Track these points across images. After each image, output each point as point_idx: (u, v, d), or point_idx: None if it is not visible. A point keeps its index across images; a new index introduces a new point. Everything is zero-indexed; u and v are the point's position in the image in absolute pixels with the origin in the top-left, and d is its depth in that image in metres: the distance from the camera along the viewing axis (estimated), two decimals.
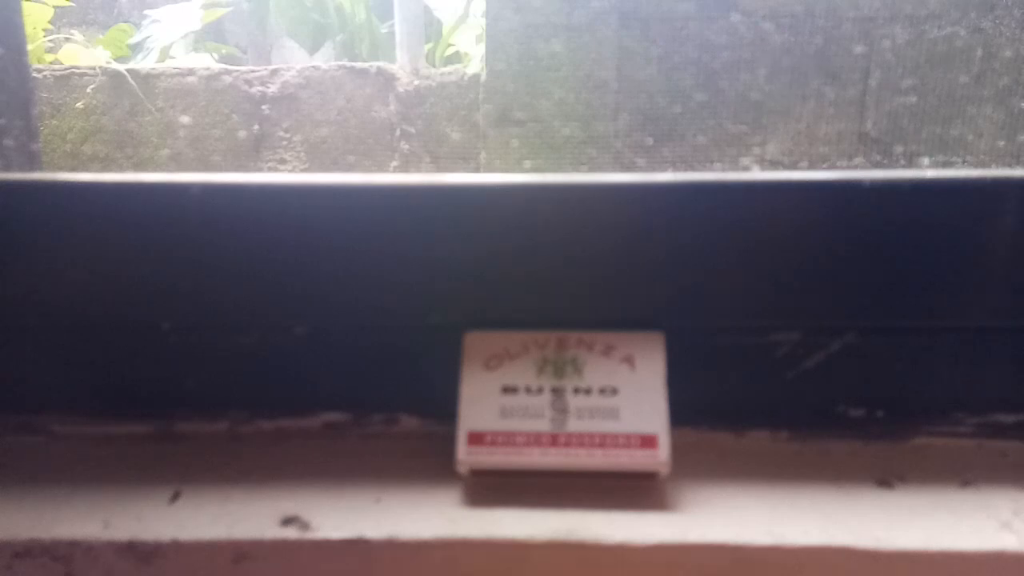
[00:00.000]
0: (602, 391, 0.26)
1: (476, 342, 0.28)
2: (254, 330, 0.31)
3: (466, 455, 0.26)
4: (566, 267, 0.30)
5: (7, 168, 0.53)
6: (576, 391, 0.26)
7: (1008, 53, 1.57)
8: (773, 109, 1.67)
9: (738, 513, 0.27)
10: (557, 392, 0.26)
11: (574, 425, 0.26)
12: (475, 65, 1.79)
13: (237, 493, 0.28)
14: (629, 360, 0.27)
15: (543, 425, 0.26)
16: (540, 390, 0.27)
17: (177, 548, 0.26)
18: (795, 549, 0.26)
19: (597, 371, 0.27)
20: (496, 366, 0.27)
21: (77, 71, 1.83)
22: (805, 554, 0.26)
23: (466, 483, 0.28)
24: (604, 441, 0.26)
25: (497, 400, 0.27)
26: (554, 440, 0.26)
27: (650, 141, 1.69)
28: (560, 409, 0.26)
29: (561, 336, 0.27)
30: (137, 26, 2.17)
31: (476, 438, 0.27)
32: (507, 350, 0.27)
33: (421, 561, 0.26)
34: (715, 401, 0.31)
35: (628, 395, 0.26)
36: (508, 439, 0.26)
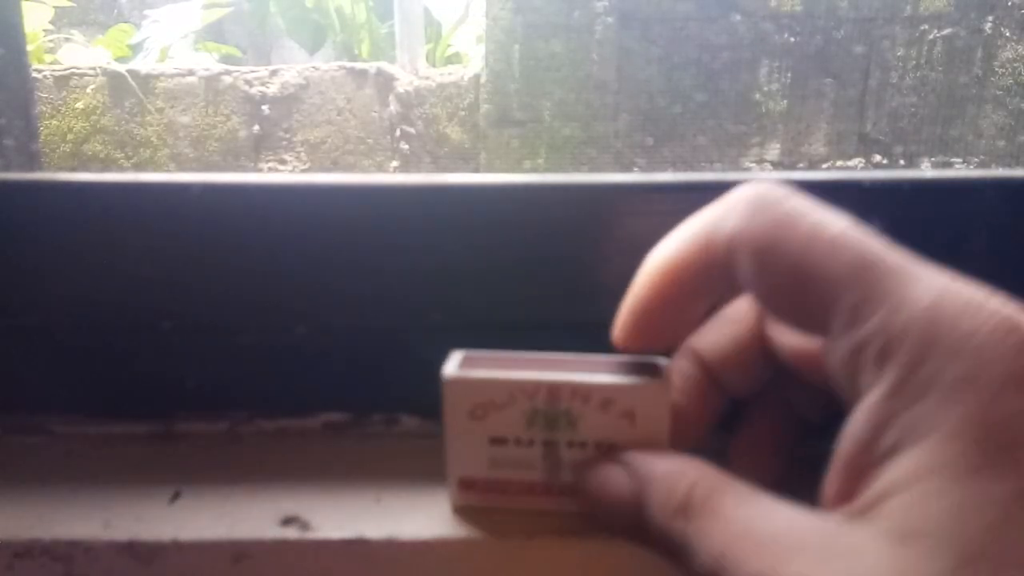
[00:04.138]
0: (599, 446, 0.24)
1: (457, 389, 0.25)
2: (254, 330, 0.31)
3: (458, 499, 0.26)
4: (567, 267, 0.30)
5: (7, 168, 0.53)
6: (570, 445, 0.24)
7: (1008, 54, 1.57)
8: (773, 110, 1.67)
9: None
10: (549, 446, 0.24)
11: (568, 477, 0.25)
12: (475, 65, 1.80)
13: (237, 493, 0.28)
14: (629, 416, 0.24)
15: (536, 476, 0.25)
16: (531, 443, 0.24)
17: (177, 548, 0.26)
18: None
19: (594, 427, 0.24)
20: (482, 416, 0.25)
21: (77, 71, 1.84)
22: None
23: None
24: None
25: (485, 451, 0.25)
26: (548, 489, 0.25)
27: (650, 141, 1.69)
28: (554, 462, 0.25)
29: (552, 386, 0.24)
30: (137, 26, 2.17)
31: (467, 484, 0.26)
32: (492, 400, 0.24)
33: (421, 561, 0.26)
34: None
35: (627, 448, 0.24)
36: (501, 487, 0.25)
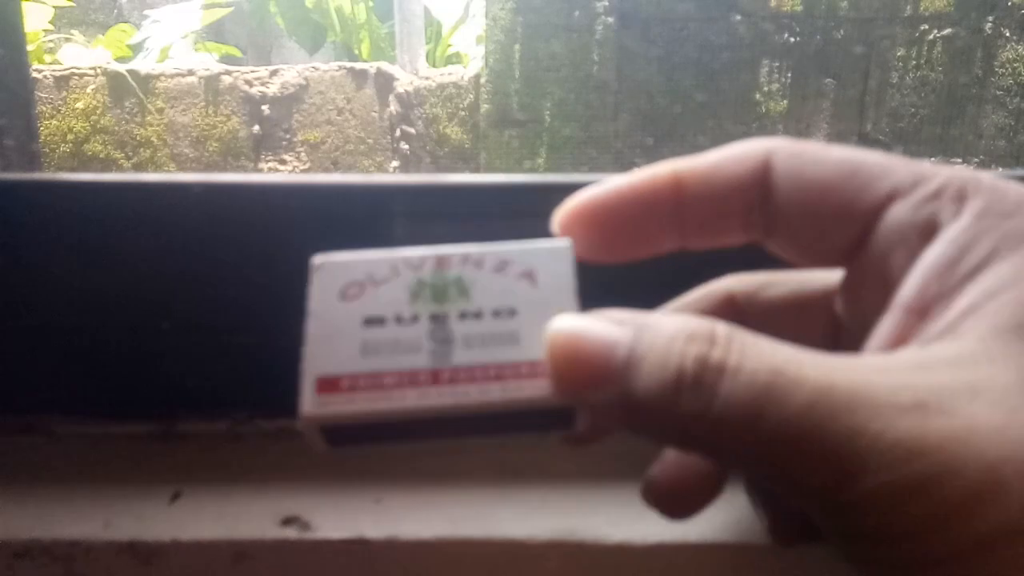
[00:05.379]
0: (496, 314, 0.20)
1: (329, 268, 0.21)
2: (254, 330, 0.31)
3: (314, 406, 0.20)
4: None
5: (7, 168, 0.53)
6: (463, 316, 0.20)
7: (1008, 54, 1.57)
8: (773, 110, 1.68)
9: (738, 512, 0.27)
10: (437, 320, 0.20)
11: (461, 357, 0.20)
12: (475, 65, 1.80)
13: (237, 493, 0.28)
14: (529, 275, 0.21)
15: (420, 360, 0.20)
16: (415, 318, 0.20)
17: (177, 548, 0.26)
18: (796, 548, 0.26)
19: (489, 291, 0.21)
20: (356, 295, 0.20)
21: (77, 71, 1.84)
22: (805, 553, 0.26)
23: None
24: (501, 372, 0.20)
25: (357, 335, 0.20)
26: (435, 377, 0.20)
27: (650, 141, 1.69)
28: (442, 339, 0.20)
29: (441, 257, 0.21)
30: (137, 26, 2.18)
31: (328, 384, 0.20)
32: (371, 276, 0.21)
33: (421, 561, 0.26)
34: None
35: (530, 315, 0.21)
36: (373, 381, 0.20)
